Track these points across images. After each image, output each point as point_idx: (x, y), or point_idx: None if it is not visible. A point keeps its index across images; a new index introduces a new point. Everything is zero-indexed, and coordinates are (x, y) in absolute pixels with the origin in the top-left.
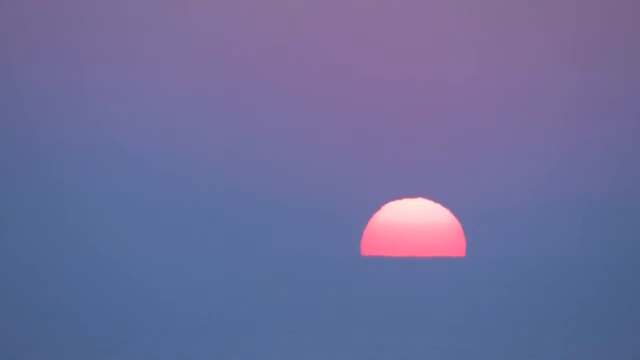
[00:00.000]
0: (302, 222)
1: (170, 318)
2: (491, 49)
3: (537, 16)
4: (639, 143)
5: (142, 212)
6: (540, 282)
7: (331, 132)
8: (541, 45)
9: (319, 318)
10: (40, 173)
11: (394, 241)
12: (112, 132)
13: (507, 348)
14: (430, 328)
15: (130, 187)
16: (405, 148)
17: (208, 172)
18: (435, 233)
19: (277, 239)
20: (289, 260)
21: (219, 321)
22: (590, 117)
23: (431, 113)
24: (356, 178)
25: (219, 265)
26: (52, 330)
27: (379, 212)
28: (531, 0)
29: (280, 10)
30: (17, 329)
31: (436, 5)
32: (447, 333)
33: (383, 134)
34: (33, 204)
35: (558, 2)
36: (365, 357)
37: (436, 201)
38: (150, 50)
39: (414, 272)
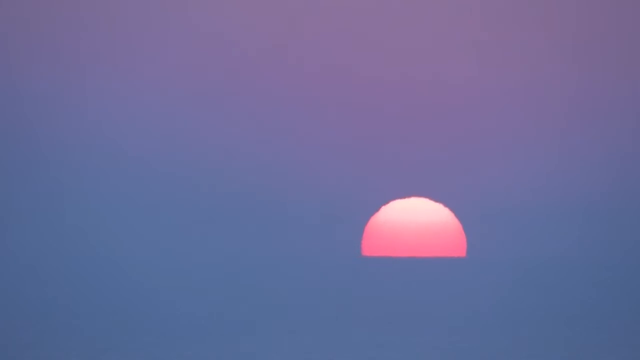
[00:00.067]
0: (302, 222)
1: (170, 318)
2: (491, 49)
3: (537, 16)
4: (639, 143)
5: (142, 212)
6: (541, 282)
7: (331, 132)
8: (541, 45)
9: (319, 318)
10: (40, 173)
11: (395, 241)
12: (112, 132)
13: (507, 348)
14: (430, 328)
15: (130, 187)
16: (405, 148)
17: (208, 172)
18: (436, 233)
19: (277, 239)
20: (289, 260)
21: (219, 321)
22: (590, 117)
23: (431, 113)
24: (356, 178)
25: (219, 265)
26: (52, 330)
27: (380, 212)
28: (531, 0)
29: (280, 10)
30: (17, 329)
31: (436, 5)
32: (447, 333)
33: (383, 134)
34: (33, 204)
35: (558, 2)
36: (365, 357)
37: (437, 201)
38: (150, 50)
39: (415, 272)
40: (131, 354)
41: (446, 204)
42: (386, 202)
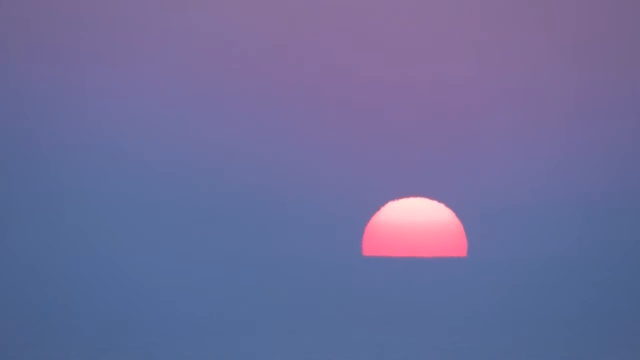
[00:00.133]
0: (302, 222)
1: (170, 318)
2: (491, 49)
3: (537, 16)
4: (639, 143)
5: (142, 212)
6: (541, 282)
7: (331, 132)
8: (541, 45)
9: (319, 318)
10: (40, 173)
11: (395, 241)
12: (112, 132)
13: (507, 348)
14: (430, 328)
15: (130, 187)
16: (405, 148)
17: (208, 172)
18: (436, 233)
19: (277, 239)
20: (289, 260)
21: (219, 321)
22: (590, 117)
23: (431, 113)
24: (356, 178)
25: (219, 265)
26: (52, 330)
27: (380, 212)
28: (531, 0)
29: (280, 10)
30: (17, 329)
31: (436, 5)
32: (447, 333)
33: (383, 134)
34: (33, 204)
35: (558, 2)
36: (365, 357)
37: (437, 201)
38: (150, 50)
39: (415, 272)
40: (131, 354)
41: (447, 204)
42: (386, 202)
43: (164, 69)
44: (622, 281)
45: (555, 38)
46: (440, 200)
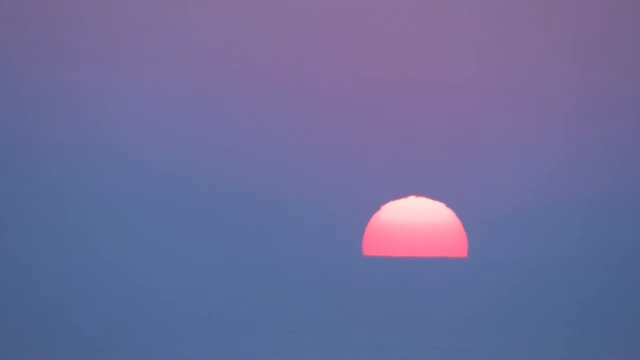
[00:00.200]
0: (302, 222)
1: (170, 318)
2: (491, 49)
3: (537, 16)
4: (639, 143)
5: (142, 212)
6: (541, 283)
7: (331, 132)
8: (541, 45)
9: (319, 318)
10: (40, 173)
11: (395, 241)
12: (112, 132)
13: (507, 348)
14: (430, 328)
15: (130, 187)
16: (405, 148)
17: (208, 172)
18: (436, 233)
19: (277, 239)
20: (289, 260)
21: (219, 321)
22: (590, 117)
23: (431, 113)
24: (356, 178)
25: (219, 265)
26: (51, 330)
27: (380, 212)
28: (531, 0)
29: (280, 10)
30: (17, 329)
31: (436, 5)
32: (447, 333)
33: (383, 134)
34: (33, 204)
35: (558, 2)
36: (365, 357)
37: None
38: (150, 50)
39: (415, 272)
40: (131, 354)
41: (447, 204)
42: (386, 202)
43: (164, 69)
44: (622, 281)
45: (555, 38)
46: (440, 200)
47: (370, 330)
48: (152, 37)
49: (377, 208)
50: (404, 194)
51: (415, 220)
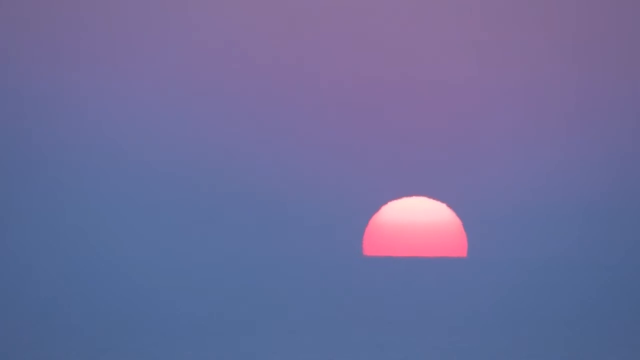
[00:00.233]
0: (302, 222)
1: (170, 318)
2: (491, 49)
3: (537, 16)
4: (639, 143)
5: (142, 212)
6: (541, 282)
7: (331, 132)
8: (541, 45)
9: (319, 318)
10: (40, 173)
11: (396, 241)
12: (112, 132)
13: (507, 348)
14: (430, 328)
15: (130, 187)
16: (405, 148)
17: (208, 172)
18: (436, 233)
19: (277, 239)
20: (289, 260)
21: (219, 321)
22: (590, 117)
23: (431, 113)
24: (356, 178)
25: (219, 265)
26: (51, 330)
27: (380, 212)
28: (531, 0)
29: (280, 10)
30: (17, 329)
31: (436, 5)
32: (447, 333)
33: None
34: (33, 204)
35: (558, 2)
36: (365, 357)
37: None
38: (150, 50)
39: (415, 272)
40: (131, 354)
41: (447, 204)
42: (386, 202)
43: (164, 69)
44: (622, 281)
45: (555, 38)
46: (440, 200)
47: (370, 330)
48: (152, 37)
49: (377, 208)
50: (404, 194)
51: (415, 220)
